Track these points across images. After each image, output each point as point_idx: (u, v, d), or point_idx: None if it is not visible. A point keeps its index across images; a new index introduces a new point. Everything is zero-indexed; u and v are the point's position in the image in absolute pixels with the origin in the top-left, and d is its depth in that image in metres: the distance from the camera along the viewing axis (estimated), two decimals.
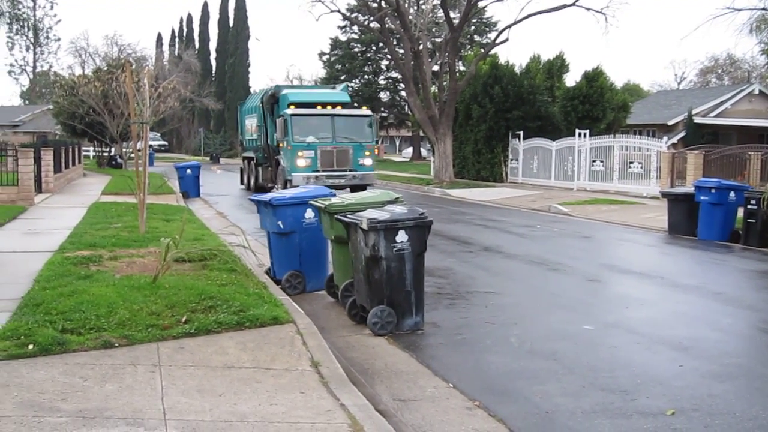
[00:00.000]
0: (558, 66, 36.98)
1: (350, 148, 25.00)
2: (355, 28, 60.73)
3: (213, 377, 6.05)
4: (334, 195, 9.98)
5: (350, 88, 64.90)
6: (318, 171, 24.25)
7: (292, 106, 25.56)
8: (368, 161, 25.46)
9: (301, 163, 24.35)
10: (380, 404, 5.91)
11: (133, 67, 15.85)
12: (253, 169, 30.76)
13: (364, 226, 7.77)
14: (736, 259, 13.89)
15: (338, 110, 25.81)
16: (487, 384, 6.55)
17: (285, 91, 27.22)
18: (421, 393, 6.31)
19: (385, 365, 7.03)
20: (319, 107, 25.68)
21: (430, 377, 6.70)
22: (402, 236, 7.91)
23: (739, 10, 22.28)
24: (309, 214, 9.87)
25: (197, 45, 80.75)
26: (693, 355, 7.37)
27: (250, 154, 31.21)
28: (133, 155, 17.40)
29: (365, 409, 5.55)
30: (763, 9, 22.59)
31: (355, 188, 24.07)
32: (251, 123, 31.31)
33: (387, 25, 37.00)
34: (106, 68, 39.84)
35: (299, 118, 24.92)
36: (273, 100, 27.24)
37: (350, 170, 24.93)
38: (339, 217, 8.41)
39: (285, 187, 22.59)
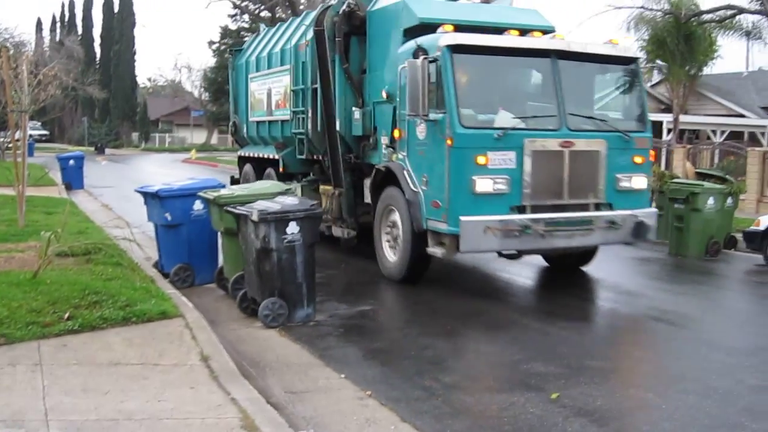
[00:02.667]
0: None
1: (602, 150, 9.62)
2: (246, 17, 59.87)
3: (98, 375, 5.87)
4: (224, 186, 9.82)
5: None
6: (524, 206, 9.25)
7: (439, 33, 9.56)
8: (640, 180, 10.03)
9: (483, 187, 9.03)
10: (272, 397, 5.87)
11: (11, 52, 15.09)
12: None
13: (255, 217, 7.70)
14: None
15: (564, 44, 9.94)
16: (379, 374, 6.62)
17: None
18: (313, 385, 6.31)
19: (276, 358, 7.00)
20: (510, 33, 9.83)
21: (322, 368, 6.71)
22: (293, 228, 7.87)
23: (620, 8, 23.04)
24: (198, 205, 9.67)
25: (80, 31, 77.66)
26: None
27: (264, 152, 15.20)
28: (11, 145, 16.56)
29: (257, 402, 5.50)
30: (641, 8, 23.50)
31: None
32: (270, 86, 14.64)
33: (278, 15, 36.64)
34: None
35: (478, 62, 9.73)
36: (352, 24, 11.50)
37: (598, 204, 9.70)
38: (229, 208, 8.29)
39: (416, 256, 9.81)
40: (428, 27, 9.78)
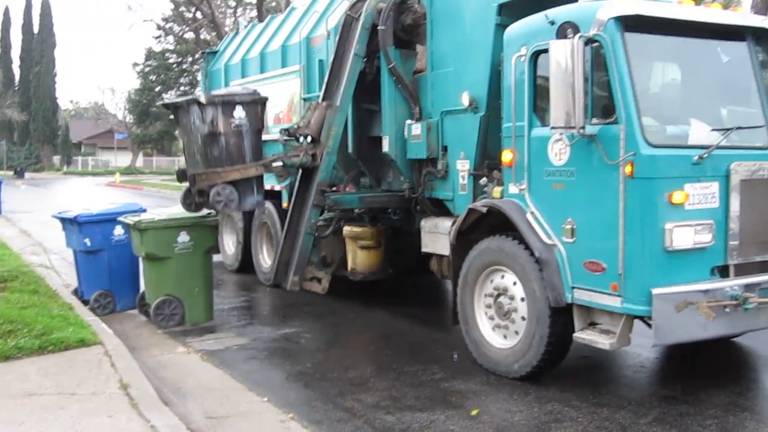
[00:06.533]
0: None
1: None
2: (170, 38, 59.31)
3: (12, 406, 5.74)
4: (145, 210, 9.71)
5: (165, 99, 63.59)
6: (727, 266, 6.21)
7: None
8: None
9: (682, 239, 5.91)
10: (192, 423, 5.83)
11: None
12: (274, 232, 11.26)
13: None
14: None
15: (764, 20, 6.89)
16: (302, 396, 6.64)
17: None
18: (235, 409, 6.28)
19: (198, 383, 6.95)
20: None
21: (245, 392, 6.69)
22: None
23: None
24: (119, 230, 9.54)
25: None
26: None
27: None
28: None
29: (177, 429, 5.47)
30: None
31: None
32: (266, 95, 8.88)
33: (202, 36, 36.44)
34: None
35: (659, 45, 6.54)
36: (401, 22, 9.00)
37: None
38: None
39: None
40: (538, 2, 6.86)
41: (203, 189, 8.10)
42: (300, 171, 9.24)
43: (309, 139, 9.03)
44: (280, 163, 8.85)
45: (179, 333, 8.68)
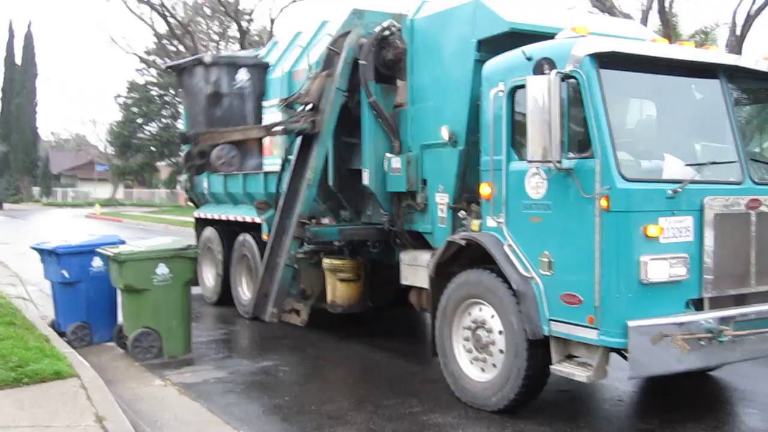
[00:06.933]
0: None
1: None
2: (153, 71, 59.45)
3: None
4: (124, 242, 9.68)
5: (148, 132, 63.50)
6: (702, 300, 6.31)
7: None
8: None
9: (657, 272, 6.01)
10: None
11: None
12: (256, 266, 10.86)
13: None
14: None
15: (735, 59, 7.24)
16: (279, 430, 6.61)
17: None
18: None
19: (174, 416, 6.90)
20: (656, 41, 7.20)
21: (221, 426, 6.65)
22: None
23: None
24: (97, 262, 9.51)
25: None
26: None
27: (235, 213, 12.10)
28: None
29: None
30: None
31: None
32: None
33: None
34: None
35: (633, 82, 6.70)
36: (382, 57, 8.97)
37: None
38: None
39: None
40: (517, 38, 7.04)
41: (205, 150, 8.01)
42: (292, 170, 9.22)
43: (309, 106, 9.08)
44: (281, 128, 8.95)
45: (157, 366, 8.62)
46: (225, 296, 12.20)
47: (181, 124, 17.52)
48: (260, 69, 8.09)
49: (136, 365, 8.65)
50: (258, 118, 8.38)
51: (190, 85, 8.01)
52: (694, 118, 7.06)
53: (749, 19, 23.93)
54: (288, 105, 9.15)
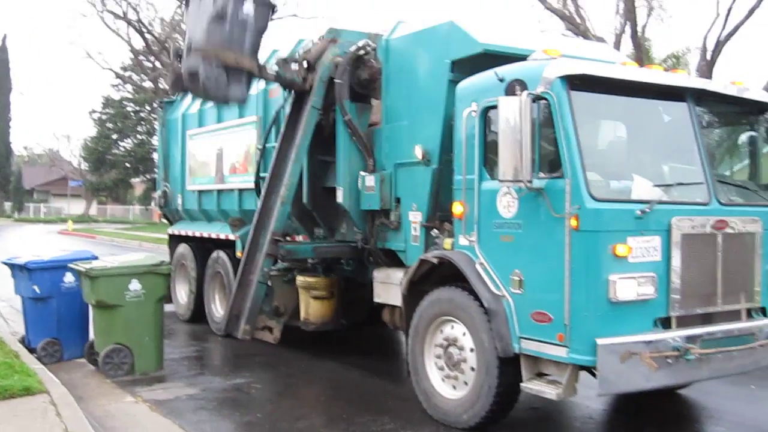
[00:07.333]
0: None
1: (758, 232, 6.93)
2: (129, 87, 59.23)
3: None
4: (96, 258, 9.64)
5: (123, 148, 63.10)
6: (669, 318, 6.38)
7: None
8: None
9: (625, 291, 6.11)
10: None
11: None
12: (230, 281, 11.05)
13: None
14: None
15: (704, 83, 7.37)
16: None
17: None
18: None
19: None
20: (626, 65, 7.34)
21: None
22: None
23: None
24: (69, 278, 9.45)
25: None
26: None
27: (209, 230, 12.15)
28: None
29: None
30: None
31: None
32: (222, 145, 11.85)
33: (161, 86, 36.47)
34: None
35: (602, 103, 6.77)
36: (357, 76, 9.06)
37: (750, 310, 6.91)
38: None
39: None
40: (491, 59, 7.12)
41: (195, 71, 7.98)
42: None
43: (306, 64, 9.21)
44: (274, 72, 9.07)
45: (128, 382, 8.57)
46: (198, 313, 12.17)
47: (155, 141, 17.42)
48: (267, 8, 8.21)
49: (107, 382, 8.59)
50: (254, 56, 8.47)
51: (195, 6, 8.09)
52: (662, 140, 7.17)
53: (719, 45, 24.47)
54: (285, 61, 9.30)
